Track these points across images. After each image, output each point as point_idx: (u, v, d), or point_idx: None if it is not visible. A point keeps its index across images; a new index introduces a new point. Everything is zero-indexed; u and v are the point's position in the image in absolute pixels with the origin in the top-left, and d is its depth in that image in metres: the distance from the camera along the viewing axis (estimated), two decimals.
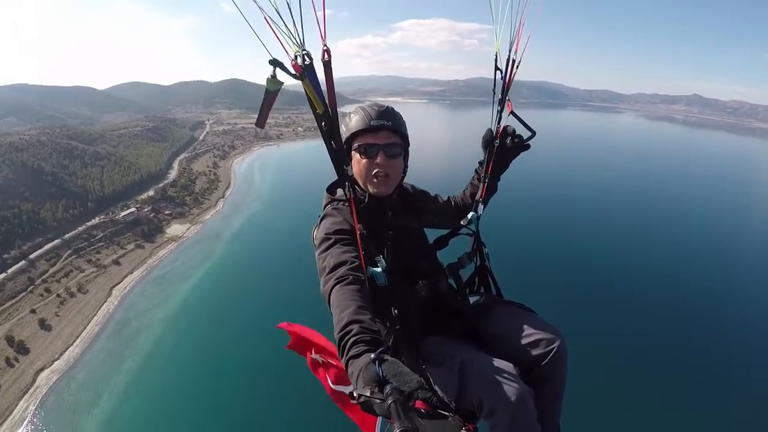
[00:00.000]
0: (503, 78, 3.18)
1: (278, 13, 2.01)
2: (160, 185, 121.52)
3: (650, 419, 44.24)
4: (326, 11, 2.17)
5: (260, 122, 2.23)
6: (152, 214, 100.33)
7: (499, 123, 3.17)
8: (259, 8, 1.96)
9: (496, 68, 3.16)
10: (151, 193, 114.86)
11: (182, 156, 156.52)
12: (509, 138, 3.12)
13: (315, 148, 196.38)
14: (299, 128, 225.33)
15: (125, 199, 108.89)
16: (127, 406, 47.55)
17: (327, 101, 2.35)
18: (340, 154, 2.54)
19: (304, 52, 2.17)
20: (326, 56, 2.22)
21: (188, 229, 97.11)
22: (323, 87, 2.32)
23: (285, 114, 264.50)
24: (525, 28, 3.04)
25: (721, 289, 72.81)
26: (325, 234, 2.60)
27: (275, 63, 2.04)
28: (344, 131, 2.75)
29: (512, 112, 3.18)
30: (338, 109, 2.45)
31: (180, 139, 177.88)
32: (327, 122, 2.40)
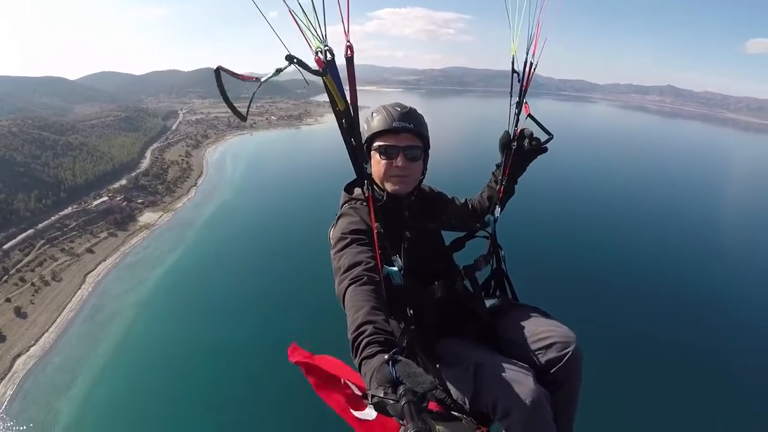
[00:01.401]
0: (520, 81, 3.16)
1: (302, 7, 1.95)
2: (133, 174, 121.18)
3: (658, 417, 44.43)
4: (350, 6, 2.06)
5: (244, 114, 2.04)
6: (125, 203, 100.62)
7: (516, 125, 3.14)
8: (284, 2, 1.91)
9: (513, 71, 3.15)
10: (123, 182, 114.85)
11: (155, 145, 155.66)
12: (527, 141, 3.11)
13: (287, 136, 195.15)
14: (272, 117, 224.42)
15: (98, 188, 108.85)
16: (102, 387, 48.90)
17: (348, 98, 2.30)
18: (359, 152, 2.49)
19: (326, 48, 2.08)
20: (349, 52, 2.20)
21: (160, 217, 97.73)
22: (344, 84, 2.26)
23: (258, 103, 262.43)
24: (542, 30, 3.05)
25: (702, 278, 73.53)
26: (342, 233, 2.57)
27: (292, 59, 1.93)
28: (365, 130, 2.75)
29: (530, 115, 3.15)
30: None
31: (152, 129, 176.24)
32: (348, 120, 2.33)
